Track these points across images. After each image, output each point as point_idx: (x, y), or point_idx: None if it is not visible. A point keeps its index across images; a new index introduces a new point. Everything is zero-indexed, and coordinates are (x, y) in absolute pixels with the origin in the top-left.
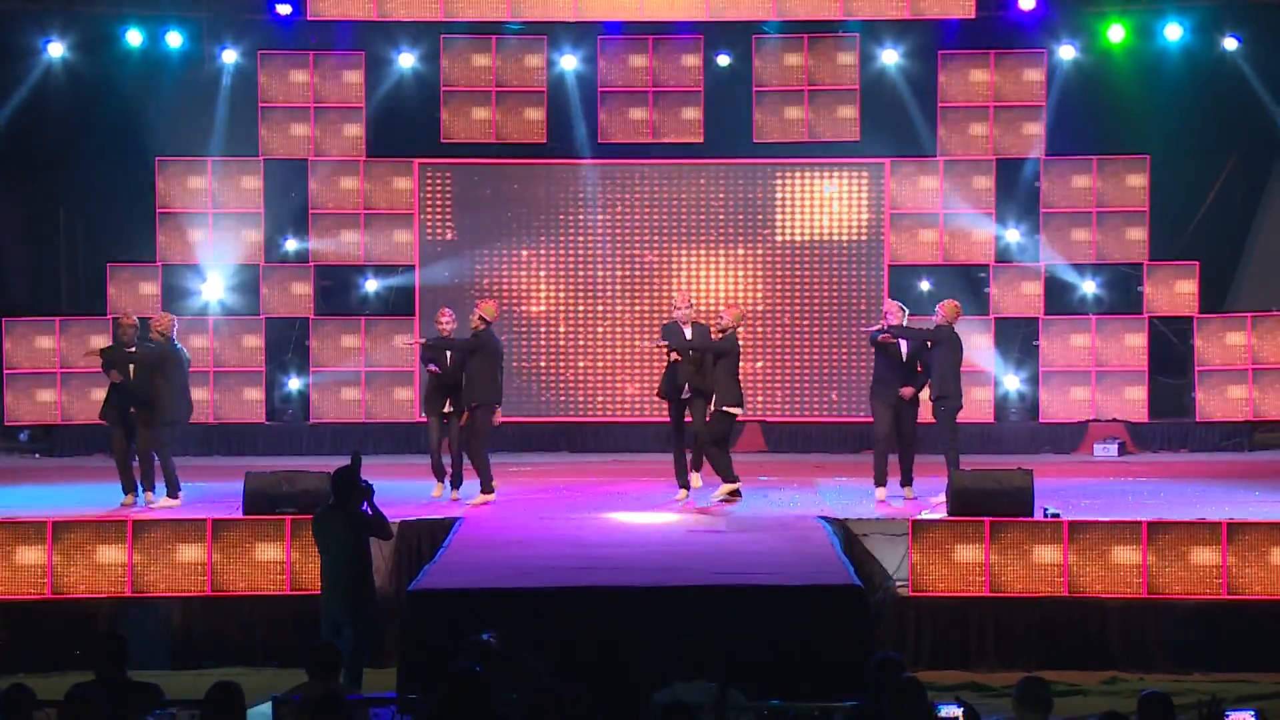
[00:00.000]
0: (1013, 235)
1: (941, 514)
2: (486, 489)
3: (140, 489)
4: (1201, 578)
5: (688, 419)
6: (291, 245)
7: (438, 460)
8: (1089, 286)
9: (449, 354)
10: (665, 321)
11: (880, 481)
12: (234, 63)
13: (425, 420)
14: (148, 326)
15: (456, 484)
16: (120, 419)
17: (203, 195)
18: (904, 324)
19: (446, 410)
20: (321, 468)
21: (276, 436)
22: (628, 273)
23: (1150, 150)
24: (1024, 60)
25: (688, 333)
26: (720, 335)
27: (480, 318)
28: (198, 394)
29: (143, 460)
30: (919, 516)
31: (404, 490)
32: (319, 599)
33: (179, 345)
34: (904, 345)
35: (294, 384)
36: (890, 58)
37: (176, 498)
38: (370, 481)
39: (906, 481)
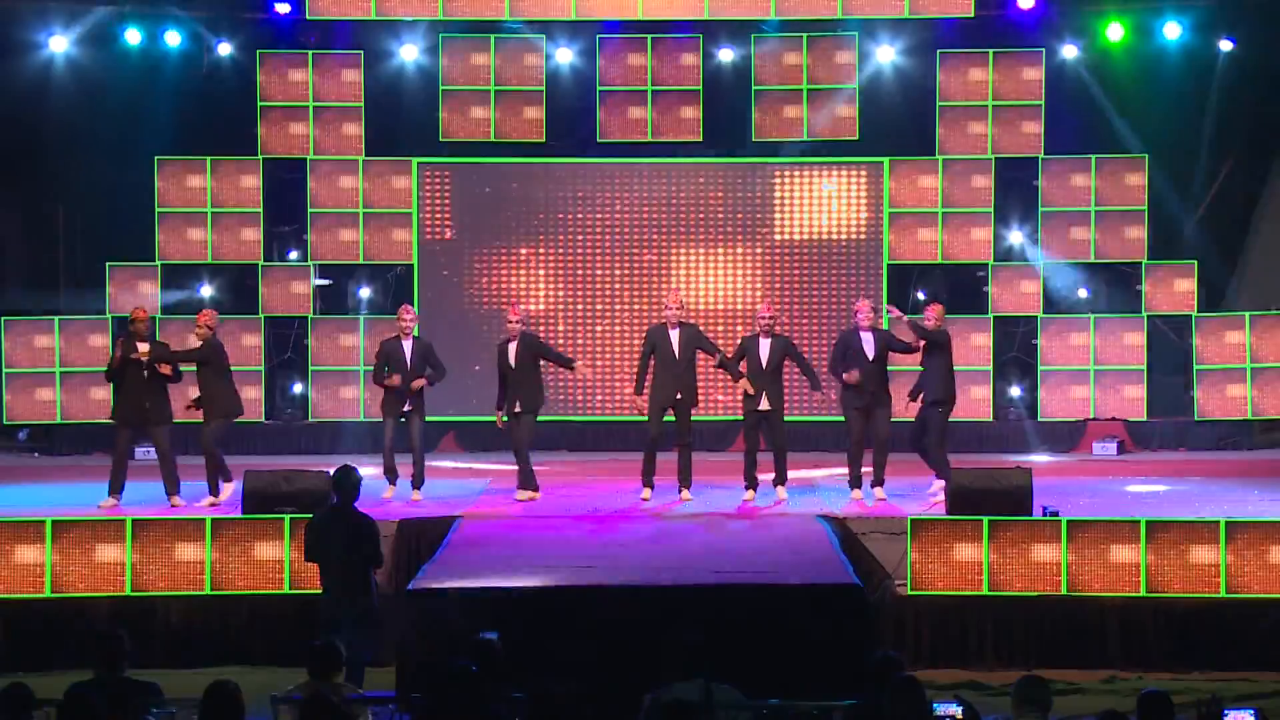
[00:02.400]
0: (1014, 236)
1: (940, 512)
2: (533, 487)
3: (165, 493)
4: (1200, 576)
5: (669, 413)
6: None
7: (390, 462)
8: (1081, 284)
9: (407, 362)
10: (653, 324)
11: (855, 484)
12: (229, 56)
13: (382, 420)
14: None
15: (418, 484)
16: (132, 419)
17: (202, 195)
18: (876, 325)
19: (405, 410)
20: (321, 467)
21: (276, 436)
22: (627, 272)
23: (1149, 150)
24: (1023, 59)
25: (675, 335)
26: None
27: (519, 322)
28: (196, 392)
29: (164, 462)
30: (918, 515)
31: (402, 488)
32: (319, 598)
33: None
34: (869, 347)
35: (294, 384)
36: (888, 56)
37: (221, 495)
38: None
39: (878, 482)
